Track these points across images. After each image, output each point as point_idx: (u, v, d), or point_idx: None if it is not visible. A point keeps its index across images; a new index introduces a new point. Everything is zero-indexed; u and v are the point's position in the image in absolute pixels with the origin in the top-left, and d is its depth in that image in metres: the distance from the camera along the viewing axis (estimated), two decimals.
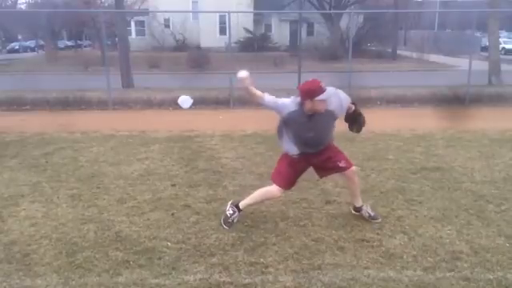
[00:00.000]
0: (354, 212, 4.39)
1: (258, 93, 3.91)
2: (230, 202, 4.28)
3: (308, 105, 3.69)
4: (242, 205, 4.19)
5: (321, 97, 3.63)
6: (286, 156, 4.09)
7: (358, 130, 4.17)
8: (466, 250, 3.71)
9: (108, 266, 3.50)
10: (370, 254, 3.67)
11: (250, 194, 4.77)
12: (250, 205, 4.21)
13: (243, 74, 3.80)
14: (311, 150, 4.00)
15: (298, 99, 3.76)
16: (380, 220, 4.26)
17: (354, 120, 4.08)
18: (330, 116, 3.83)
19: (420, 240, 3.90)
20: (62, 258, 3.61)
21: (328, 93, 3.67)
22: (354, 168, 4.16)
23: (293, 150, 4.00)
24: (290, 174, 4.06)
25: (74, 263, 3.54)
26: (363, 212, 4.30)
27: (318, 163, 4.12)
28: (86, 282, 3.29)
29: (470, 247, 3.76)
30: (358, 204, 4.32)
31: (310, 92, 3.65)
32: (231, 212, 4.18)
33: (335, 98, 3.82)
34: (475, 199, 4.82)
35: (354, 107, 4.02)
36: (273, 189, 4.06)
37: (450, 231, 4.06)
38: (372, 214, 4.29)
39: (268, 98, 3.90)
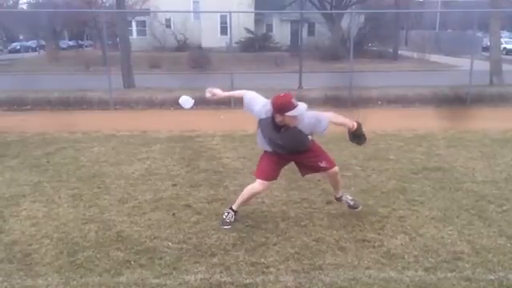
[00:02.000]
0: (335, 200, 4.50)
1: (237, 93, 4.02)
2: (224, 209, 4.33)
3: (278, 118, 3.69)
4: (234, 206, 4.22)
5: (291, 113, 3.59)
6: (264, 151, 4.15)
7: (358, 144, 4.12)
8: (467, 250, 3.71)
9: (109, 265, 3.50)
10: (371, 254, 3.67)
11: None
12: (240, 204, 4.21)
13: (208, 94, 4.15)
14: (284, 152, 4.03)
15: (270, 108, 3.73)
16: (360, 208, 4.38)
17: (355, 138, 4.02)
18: (300, 132, 3.81)
19: (421, 240, 3.89)
20: (63, 258, 3.62)
21: (299, 109, 3.61)
22: (336, 169, 4.15)
23: (266, 147, 4.06)
24: (268, 165, 4.08)
25: (75, 263, 3.54)
26: (343, 201, 4.41)
27: (298, 160, 4.15)
28: (87, 281, 3.29)
29: (472, 247, 3.75)
30: (338, 195, 4.41)
31: (281, 107, 3.61)
32: (226, 213, 4.22)
33: (310, 118, 3.77)
34: (476, 199, 4.81)
35: (356, 126, 3.93)
36: (255, 183, 4.08)
37: (451, 231, 4.05)
38: (351, 203, 4.39)
39: (246, 98, 3.97)
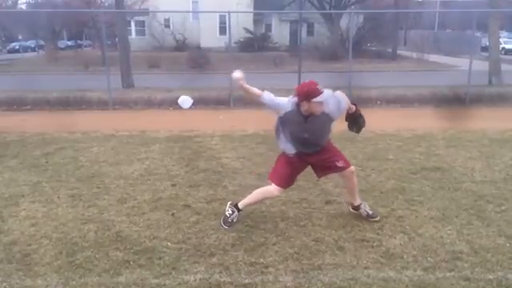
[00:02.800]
0: (352, 210, 4.39)
1: (256, 90, 3.92)
2: (229, 203, 4.28)
3: (305, 106, 3.70)
4: (241, 204, 4.19)
5: (317, 99, 3.63)
6: (283, 155, 4.11)
7: (358, 131, 4.18)
8: (466, 250, 3.71)
9: (108, 265, 3.50)
10: (370, 254, 3.67)
11: (250, 194, 4.79)
12: (249, 204, 4.20)
13: (237, 74, 3.80)
14: (307, 150, 4.01)
15: (295, 99, 3.76)
16: (378, 218, 4.27)
17: (354, 121, 4.08)
18: (327, 118, 3.83)
19: (420, 240, 3.90)
20: (63, 258, 3.62)
21: (325, 95, 3.66)
22: (352, 168, 4.15)
23: (289, 149, 4.01)
24: (287, 172, 4.06)
25: (75, 263, 3.54)
26: (361, 210, 4.30)
27: (315, 162, 4.12)
28: (87, 281, 3.29)
29: (471, 247, 3.76)
30: (356, 203, 4.32)
31: (307, 94, 3.65)
32: (230, 212, 4.18)
33: (332, 99, 3.81)
34: (475, 199, 4.82)
35: (354, 108, 4.01)
36: (271, 188, 4.06)
37: (450, 231, 4.06)
38: (370, 212, 4.29)
39: (267, 95, 3.90)
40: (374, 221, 4.24)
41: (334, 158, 4.06)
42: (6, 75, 19.50)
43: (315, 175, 4.32)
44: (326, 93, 3.68)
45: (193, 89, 12.13)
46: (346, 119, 4.08)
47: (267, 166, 5.99)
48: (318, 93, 3.63)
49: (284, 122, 3.91)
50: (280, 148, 4.11)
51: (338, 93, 3.94)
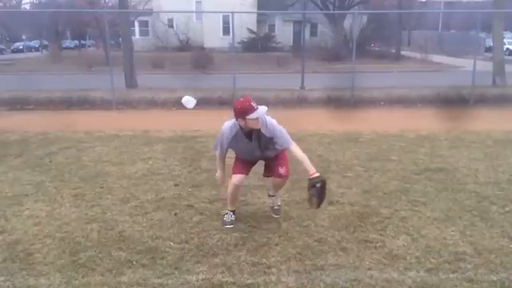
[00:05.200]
0: (268, 195, 4.56)
1: (220, 164, 4.22)
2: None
3: (241, 122, 3.77)
4: (228, 206, 4.30)
5: (252, 115, 3.67)
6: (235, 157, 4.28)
7: (311, 205, 3.95)
8: (469, 251, 3.70)
9: (111, 265, 3.50)
10: (372, 254, 3.66)
11: (252, 194, 4.79)
12: (230, 202, 4.26)
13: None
14: (257, 159, 4.20)
15: (234, 120, 3.86)
16: (278, 216, 4.40)
17: (311, 188, 3.86)
18: (269, 138, 3.90)
19: (423, 241, 3.88)
20: (66, 258, 3.62)
21: (259, 112, 3.69)
22: (286, 179, 4.25)
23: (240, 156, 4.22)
24: (240, 164, 4.18)
25: (77, 262, 3.54)
26: (273, 202, 4.48)
27: (266, 161, 4.24)
28: (89, 281, 3.29)
29: (474, 248, 3.74)
30: (273, 193, 4.48)
31: (241, 111, 3.70)
32: (225, 214, 4.30)
33: (273, 127, 3.86)
34: (479, 200, 4.80)
35: (314, 175, 3.81)
36: (231, 179, 4.12)
37: (453, 232, 4.05)
38: (276, 207, 4.46)
39: (217, 151, 4.14)
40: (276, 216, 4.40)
41: (279, 164, 4.12)
42: (10, 75, 19.59)
43: (263, 172, 4.40)
44: (261, 110, 3.70)
45: (196, 89, 12.14)
46: (308, 181, 3.88)
47: None
48: (252, 109, 3.67)
49: (232, 144, 4.02)
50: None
51: (289, 139, 3.92)
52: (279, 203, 4.53)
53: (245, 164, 4.20)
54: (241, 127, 3.85)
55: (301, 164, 3.86)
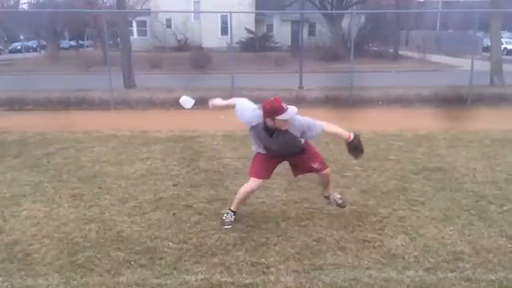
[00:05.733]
0: (324, 199, 4.56)
1: (230, 102, 4.11)
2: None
3: (269, 122, 3.74)
4: (232, 207, 4.24)
5: (282, 116, 3.65)
6: (257, 154, 4.17)
7: (355, 158, 4.12)
8: (467, 250, 3.71)
9: (109, 265, 3.50)
10: (371, 254, 3.67)
11: (254, 195, 4.77)
12: (237, 204, 4.22)
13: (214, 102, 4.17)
14: (278, 154, 4.09)
15: (261, 112, 3.79)
16: (346, 207, 4.47)
17: (352, 148, 3.98)
18: (292, 136, 3.86)
19: (421, 240, 3.89)
20: (64, 258, 3.62)
21: (290, 112, 3.67)
22: (328, 170, 4.22)
23: (260, 150, 4.10)
24: (260, 165, 4.12)
25: (76, 263, 3.54)
26: (331, 200, 4.46)
27: (290, 160, 4.20)
28: (88, 281, 3.29)
29: (472, 248, 3.75)
30: (327, 194, 4.47)
31: (271, 111, 3.67)
32: (225, 214, 4.26)
33: (300, 125, 3.83)
34: (477, 200, 4.81)
35: (352, 137, 3.91)
36: (249, 182, 4.10)
37: (451, 232, 4.05)
38: (339, 201, 4.44)
39: (238, 107, 4.02)
40: (352, 210, 4.45)
41: (309, 159, 4.10)
42: (8, 75, 19.55)
43: (292, 174, 4.39)
44: (291, 111, 3.68)
45: (194, 89, 12.12)
46: (347, 146, 4.00)
47: None
48: (282, 110, 3.64)
49: (252, 131, 3.99)
50: (252, 149, 4.19)
51: (318, 124, 3.90)
52: (338, 196, 4.47)
53: (265, 164, 4.11)
54: (265, 122, 3.78)
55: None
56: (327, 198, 4.49)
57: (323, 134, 3.95)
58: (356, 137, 3.91)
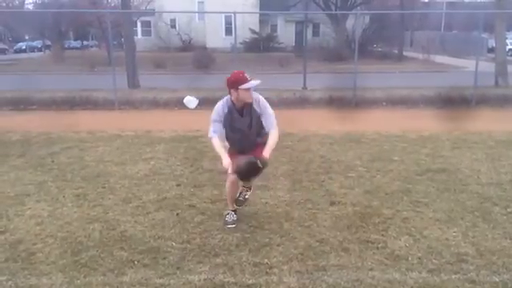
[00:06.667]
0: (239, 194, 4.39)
1: (220, 150, 4.02)
2: None
3: (234, 95, 3.86)
4: (229, 206, 4.32)
5: (244, 86, 3.79)
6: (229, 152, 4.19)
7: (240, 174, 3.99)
8: (471, 252, 3.69)
9: (113, 265, 3.51)
10: (374, 255, 3.66)
11: (254, 194, 4.79)
12: (229, 201, 4.30)
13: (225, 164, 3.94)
14: (246, 146, 4.08)
15: (227, 97, 3.96)
16: (239, 207, 4.35)
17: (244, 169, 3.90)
18: (257, 115, 3.95)
19: (425, 242, 3.88)
20: (67, 257, 3.63)
21: (252, 83, 3.81)
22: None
23: (232, 147, 4.16)
24: (233, 157, 4.12)
25: (79, 262, 3.55)
26: (242, 197, 4.34)
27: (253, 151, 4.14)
28: (91, 281, 3.30)
29: (476, 249, 3.74)
30: (245, 194, 4.37)
31: (234, 81, 3.83)
32: (226, 214, 4.30)
33: (263, 103, 3.95)
34: (481, 201, 4.79)
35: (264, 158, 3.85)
36: (228, 177, 4.13)
37: (455, 233, 4.04)
38: (241, 198, 4.31)
39: (213, 134, 4.04)
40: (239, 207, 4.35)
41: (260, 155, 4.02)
42: (13, 75, 19.63)
43: None
44: (254, 82, 3.83)
45: (198, 89, 12.14)
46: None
47: (271, 166, 5.99)
48: (245, 80, 3.80)
49: (226, 124, 4.03)
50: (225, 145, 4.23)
51: (270, 110, 4.00)
52: (247, 194, 4.36)
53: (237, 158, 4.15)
54: (233, 103, 3.92)
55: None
56: (244, 195, 4.35)
57: (269, 133, 3.95)
58: (262, 161, 3.81)
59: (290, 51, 29.61)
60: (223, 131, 4.06)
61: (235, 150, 4.11)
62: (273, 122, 3.98)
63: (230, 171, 4.03)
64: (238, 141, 4.10)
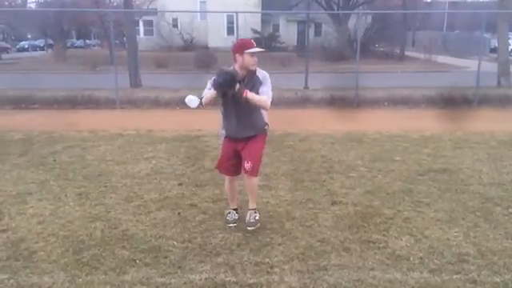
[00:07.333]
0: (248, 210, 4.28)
1: (208, 94, 4.02)
2: None
3: (239, 60, 3.85)
4: (230, 205, 4.35)
5: (250, 50, 3.83)
6: (223, 143, 4.21)
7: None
8: (472, 252, 3.69)
9: (114, 264, 3.51)
10: (375, 255, 3.66)
11: (255, 193, 4.78)
12: (229, 200, 4.35)
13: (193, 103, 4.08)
14: (239, 132, 4.01)
15: (231, 67, 3.95)
16: (253, 228, 4.13)
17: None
18: (257, 83, 3.92)
19: (426, 242, 3.88)
20: (69, 256, 3.64)
21: (257, 48, 3.87)
22: (254, 180, 4.08)
23: (226, 127, 4.13)
24: (222, 157, 4.19)
25: (81, 261, 3.56)
26: (249, 214, 4.19)
27: (241, 153, 4.07)
28: (93, 279, 3.30)
29: (477, 250, 3.73)
30: (252, 206, 4.23)
31: (241, 45, 3.88)
32: (228, 213, 4.31)
33: (263, 74, 3.98)
34: (483, 201, 4.79)
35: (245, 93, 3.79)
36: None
37: (456, 233, 4.04)
38: (252, 220, 4.14)
39: (207, 90, 4.05)
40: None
41: (248, 157, 3.98)
42: (15, 74, 19.67)
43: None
44: (259, 49, 3.89)
45: (200, 88, 12.10)
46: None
47: (273, 166, 6.01)
48: (251, 45, 3.87)
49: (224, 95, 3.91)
50: (219, 134, 4.26)
51: (269, 82, 3.99)
52: (257, 217, 4.20)
53: (224, 155, 4.17)
54: (236, 72, 3.85)
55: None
56: (250, 210, 4.21)
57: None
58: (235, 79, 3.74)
59: (291, 51, 29.59)
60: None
61: (230, 124, 4.04)
62: (268, 95, 3.89)
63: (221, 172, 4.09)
64: (235, 115, 3.99)
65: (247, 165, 3.97)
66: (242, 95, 3.75)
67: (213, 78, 3.83)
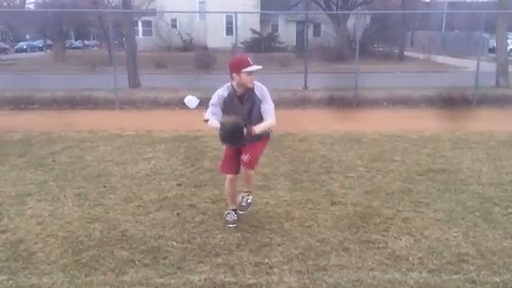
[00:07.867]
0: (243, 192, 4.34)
1: (211, 119, 3.92)
2: None
3: (236, 79, 3.83)
4: (229, 206, 4.33)
5: (247, 69, 3.78)
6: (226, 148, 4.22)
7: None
8: (472, 252, 3.69)
9: (113, 264, 3.51)
10: (375, 255, 3.66)
11: (255, 194, 4.80)
12: (229, 201, 4.32)
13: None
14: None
15: (228, 84, 3.94)
16: (244, 212, 4.29)
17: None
18: (258, 100, 3.92)
19: (426, 242, 3.88)
20: (68, 257, 3.63)
21: (254, 67, 3.81)
22: (251, 172, 4.10)
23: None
24: (225, 157, 4.20)
25: (80, 262, 3.55)
26: (242, 197, 4.28)
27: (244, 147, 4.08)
28: (92, 280, 3.30)
29: (477, 250, 3.73)
30: (247, 189, 4.31)
31: (237, 64, 3.83)
32: (227, 213, 4.29)
33: (262, 89, 3.95)
34: (482, 201, 4.79)
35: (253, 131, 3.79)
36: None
37: (456, 233, 4.04)
38: (244, 203, 4.24)
39: (209, 113, 3.94)
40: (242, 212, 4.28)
41: (247, 151, 3.99)
42: (14, 74, 19.65)
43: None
44: (256, 66, 3.83)
45: (199, 89, 12.12)
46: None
47: (272, 166, 6.01)
48: (247, 63, 3.81)
49: (224, 109, 3.94)
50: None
51: (269, 96, 3.99)
52: (249, 200, 4.28)
53: (227, 155, 4.18)
54: (234, 89, 3.90)
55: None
56: (244, 193, 4.29)
57: (270, 119, 3.92)
58: (238, 124, 3.74)
59: (290, 51, 29.58)
60: (221, 115, 3.90)
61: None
62: (271, 112, 3.94)
63: (222, 171, 4.04)
64: None
65: (245, 156, 3.99)
66: (251, 135, 3.76)
67: (213, 103, 3.91)
